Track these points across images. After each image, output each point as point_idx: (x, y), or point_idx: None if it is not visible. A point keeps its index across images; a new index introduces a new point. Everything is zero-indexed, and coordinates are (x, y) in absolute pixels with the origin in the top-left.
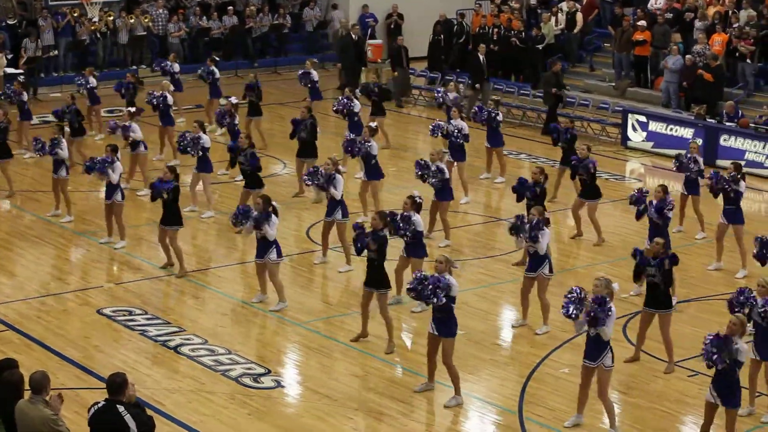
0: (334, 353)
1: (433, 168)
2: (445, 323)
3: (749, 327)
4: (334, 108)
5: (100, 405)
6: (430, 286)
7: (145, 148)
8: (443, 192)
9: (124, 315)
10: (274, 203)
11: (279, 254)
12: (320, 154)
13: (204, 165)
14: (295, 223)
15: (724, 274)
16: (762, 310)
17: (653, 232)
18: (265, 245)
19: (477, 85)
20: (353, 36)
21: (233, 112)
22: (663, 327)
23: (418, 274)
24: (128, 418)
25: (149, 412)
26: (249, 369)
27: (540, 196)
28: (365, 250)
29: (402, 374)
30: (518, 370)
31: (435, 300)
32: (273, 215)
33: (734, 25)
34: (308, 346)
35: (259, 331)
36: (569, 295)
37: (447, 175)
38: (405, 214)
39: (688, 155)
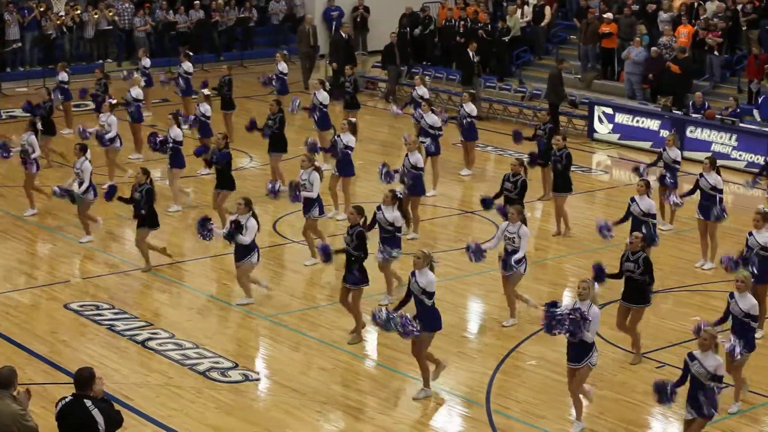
0: (302, 347)
1: (412, 161)
2: (425, 318)
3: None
4: (308, 109)
5: (67, 400)
6: (396, 321)
7: (120, 143)
8: (415, 187)
9: (92, 310)
10: (254, 209)
11: (258, 258)
12: (289, 148)
13: (176, 160)
14: (262, 216)
15: (691, 266)
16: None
17: (636, 228)
18: (244, 249)
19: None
20: (343, 35)
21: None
22: (633, 321)
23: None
24: (96, 412)
25: (117, 406)
26: (217, 363)
27: (521, 190)
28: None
29: (371, 367)
30: (486, 362)
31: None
32: (253, 219)
33: (701, 17)
34: (276, 340)
35: (226, 325)
36: (551, 314)
37: (421, 167)
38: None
39: (664, 148)
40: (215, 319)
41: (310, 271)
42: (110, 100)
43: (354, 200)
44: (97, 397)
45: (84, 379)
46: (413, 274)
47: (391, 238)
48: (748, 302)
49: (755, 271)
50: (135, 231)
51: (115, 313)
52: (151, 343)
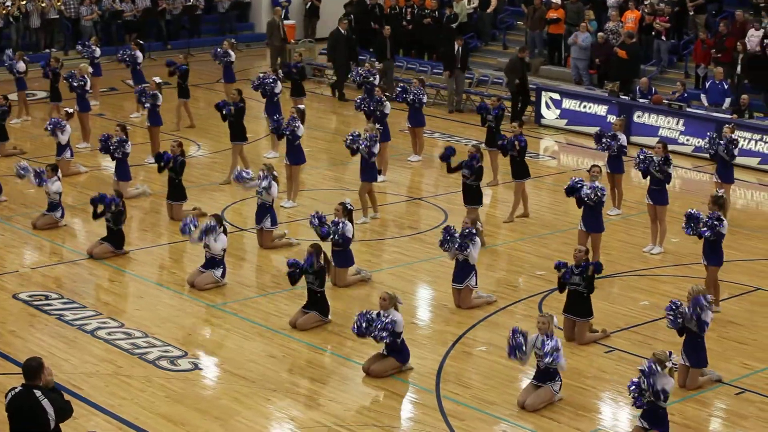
0: (251, 335)
1: (365, 136)
2: (395, 351)
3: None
4: (253, 86)
5: (17, 390)
6: (378, 329)
7: (71, 154)
8: (368, 172)
9: (41, 299)
10: (224, 223)
11: (224, 274)
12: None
13: (122, 172)
14: (210, 205)
15: (640, 251)
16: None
17: (587, 213)
18: (213, 261)
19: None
20: (342, 31)
21: (155, 93)
22: (580, 334)
23: (364, 315)
24: (46, 402)
25: (67, 396)
26: (166, 352)
27: (477, 173)
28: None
29: (321, 355)
30: (435, 348)
31: (378, 341)
32: (223, 234)
33: (648, 2)
34: (225, 328)
35: (175, 313)
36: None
37: (376, 148)
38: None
39: (609, 133)
40: (164, 308)
41: (259, 259)
42: (67, 109)
43: (302, 188)
44: (47, 387)
45: (32, 369)
46: (378, 315)
47: (342, 252)
48: None
49: None
50: (96, 243)
51: (64, 303)
52: (101, 333)
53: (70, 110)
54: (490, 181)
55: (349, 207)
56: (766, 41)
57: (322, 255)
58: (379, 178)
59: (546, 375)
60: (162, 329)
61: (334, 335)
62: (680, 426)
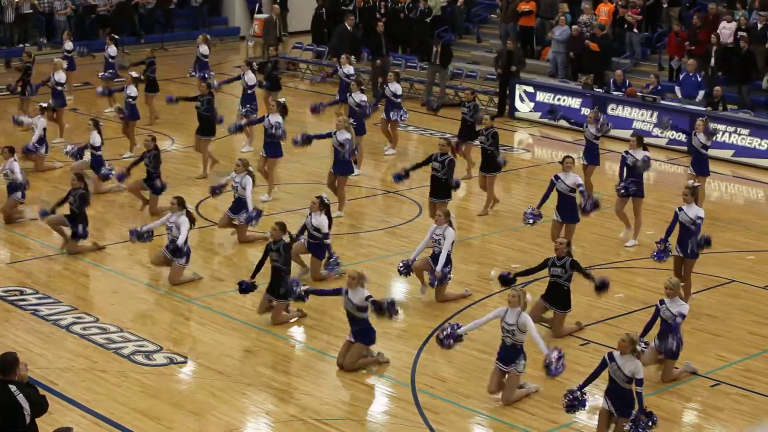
0: (226, 329)
1: (340, 139)
2: (360, 333)
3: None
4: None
5: None
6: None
7: (46, 150)
8: (343, 165)
9: (16, 295)
10: (188, 207)
11: (188, 260)
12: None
13: (96, 165)
14: (186, 198)
15: (615, 243)
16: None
17: (562, 205)
18: (176, 248)
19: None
20: (348, 27)
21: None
22: (556, 326)
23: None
24: (21, 397)
25: (42, 391)
26: (141, 346)
27: (448, 169)
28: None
29: (296, 349)
30: (410, 342)
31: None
32: (185, 217)
33: None
34: (200, 323)
35: (150, 308)
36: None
37: (353, 146)
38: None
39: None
40: (139, 303)
41: (234, 253)
42: (42, 104)
43: (277, 182)
44: (22, 382)
45: (7, 363)
46: (346, 292)
47: (317, 245)
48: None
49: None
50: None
51: (39, 298)
52: (76, 328)
53: (44, 104)
54: (465, 175)
55: (326, 201)
56: (739, 33)
57: (288, 233)
58: (355, 171)
59: (512, 353)
60: (137, 324)
61: (310, 329)
62: None
